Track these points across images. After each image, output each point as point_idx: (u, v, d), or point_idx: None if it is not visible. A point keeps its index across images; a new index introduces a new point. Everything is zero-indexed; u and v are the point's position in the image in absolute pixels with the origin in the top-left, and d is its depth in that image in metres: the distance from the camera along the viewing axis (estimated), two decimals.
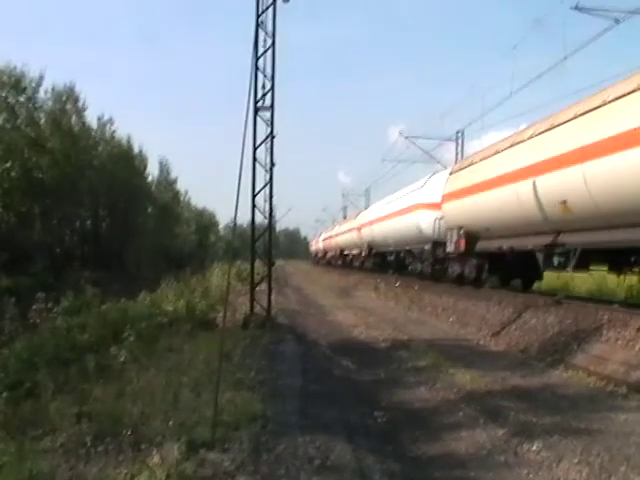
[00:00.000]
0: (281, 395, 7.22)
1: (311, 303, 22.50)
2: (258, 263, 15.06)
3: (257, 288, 14.06)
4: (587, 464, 5.29)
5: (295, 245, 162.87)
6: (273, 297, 14.49)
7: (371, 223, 36.00)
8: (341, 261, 53.54)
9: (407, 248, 27.03)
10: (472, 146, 41.75)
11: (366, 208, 45.93)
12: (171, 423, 5.35)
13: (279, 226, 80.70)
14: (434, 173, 25.21)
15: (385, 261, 34.41)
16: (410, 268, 27.36)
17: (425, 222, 23.16)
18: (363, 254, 39.94)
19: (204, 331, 10.83)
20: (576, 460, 5.37)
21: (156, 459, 4.47)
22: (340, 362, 10.10)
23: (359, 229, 40.66)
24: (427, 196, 23.44)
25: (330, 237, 63.77)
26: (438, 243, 21.68)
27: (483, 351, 11.61)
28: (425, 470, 5.40)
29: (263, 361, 9.18)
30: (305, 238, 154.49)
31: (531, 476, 5.14)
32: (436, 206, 21.73)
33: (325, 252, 69.42)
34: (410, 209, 25.54)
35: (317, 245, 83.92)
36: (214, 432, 5.10)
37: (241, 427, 5.49)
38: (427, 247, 23.20)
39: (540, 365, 9.88)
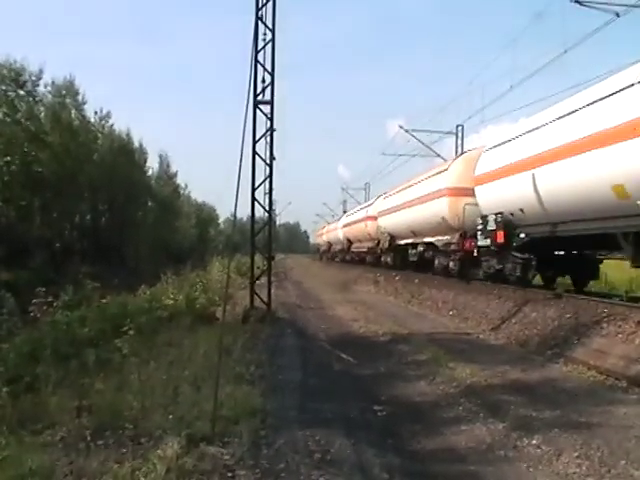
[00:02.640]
0: (281, 389, 7.23)
1: (311, 297, 22.49)
2: (258, 257, 15.06)
3: (257, 282, 14.07)
4: (587, 458, 5.29)
5: (295, 239, 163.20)
6: (273, 291, 14.50)
7: (504, 174, 15.50)
8: (391, 258, 31.32)
9: None
10: (471, 140, 41.35)
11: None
12: (171, 417, 5.36)
13: (279, 220, 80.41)
14: None
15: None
16: None
17: None
18: (486, 243, 16.84)
19: (204, 325, 10.84)
20: (576, 454, 5.38)
21: (156, 453, 4.47)
22: (340, 356, 10.09)
23: (454, 193, 20.16)
24: None
25: (362, 220, 40.16)
26: None
27: (483, 345, 11.61)
28: (425, 464, 5.40)
29: (263, 355, 9.18)
30: (305, 232, 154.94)
31: (531, 470, 5.14)
32: None
33: (349, 243, 47.34)
34: None
35: (331, 234, 61.55)
36: (214, 426, 5.10)
37: (241, 421, 5.49)
38: None
39: (540, 359, 9.88)
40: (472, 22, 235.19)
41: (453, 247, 20.39)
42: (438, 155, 33.07)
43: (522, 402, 7.14)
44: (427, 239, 23.59)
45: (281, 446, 5.05)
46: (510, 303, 13.81)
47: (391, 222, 29.86)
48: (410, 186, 26.89)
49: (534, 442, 5.73)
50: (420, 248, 24.87)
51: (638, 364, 8.18)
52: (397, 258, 30.12)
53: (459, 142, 33.31)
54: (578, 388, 7.91)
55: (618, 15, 15.05)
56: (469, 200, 18.55)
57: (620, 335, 9.28)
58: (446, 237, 21.11)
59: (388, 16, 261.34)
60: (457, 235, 19.88)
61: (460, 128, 33.16)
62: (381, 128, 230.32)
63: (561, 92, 19.89)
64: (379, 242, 33.48)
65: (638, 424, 6.22)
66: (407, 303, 19.26)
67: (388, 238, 30.56)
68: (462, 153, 21.95)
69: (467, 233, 18.96)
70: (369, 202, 41.21)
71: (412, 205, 25.22)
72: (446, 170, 21.59)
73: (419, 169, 29.44)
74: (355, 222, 43.95)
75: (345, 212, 62.13)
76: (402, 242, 28.18)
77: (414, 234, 25.57)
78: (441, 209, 20.91)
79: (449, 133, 33.65)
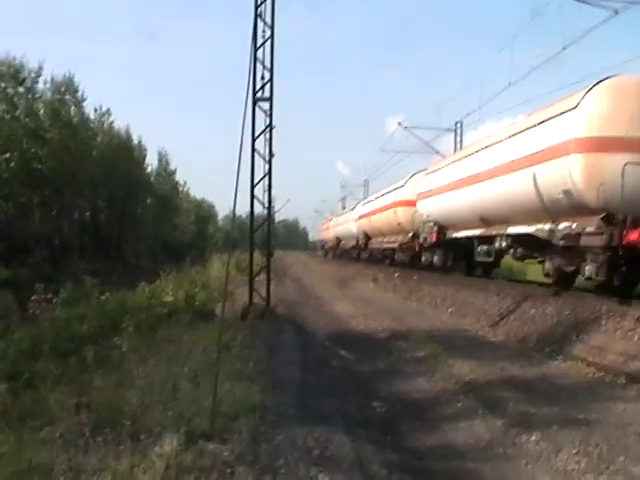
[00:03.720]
0: (280, 386, 7.22)
1: (310, 294, 22.48)
2: (257, 254, 15.05)
3: (256, 279, 14.06)
4: (586, 454, 5.29)
5: (294, 236, 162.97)
6: (272, 288, 14.48)
7: None
8: (439, 257, 22.47)
9: None
10: (470, 137, 40.84)
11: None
12: (170, 414, 5.35)
13: (278, 217, 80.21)
14: None
15: None
16: None
17: None
18: None
19: (203, 322, 10.82)
20: (575, 450, 5.38)
21: (155, 450, 4.47)
22: (339, 353, 10.10)
23: (595, 146, 11.44)
24: None
25: (389, 207, 30.06)
26: None
27: (482, 341, 11.61)
28: (424, 461, 5.40)
29: (262, 352, 9.18)
30: (304, 229, 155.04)
31: (530, 467, 5.15)
32: None
33: (367, 238, 37.36)
34: None
35: (340, 228, 51.49)
36: (213, 423, 5.09)
37: (240, 418, 5.49)
38: None
39: (539, 356, 9.88)
40: (471, 19, 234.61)
41: (589, 241, 11.92)
42: (437, 152, 32.95)
43: (521, 399, 7.14)
44: (515, 229, 15.28)
45: (280, 442, 5.05)
46: (509, 300, 13.80)
47: (441, 207, 20.89)
48: (480, 150, 17.72)
49: (533, 439, 5.73)
50: (499, 243, 16.32)
51: (637, 360, 8.19)
52: (449, 257, 21.72)
53: (458, 138, 33.29)
54: (577, 385, 7.91)
55: (617, 12, 15.05)
56: (631, 158, 11.12)
57: (619, 332, 9.28)
58: (565, 224, 12.60)
59: (387, 13, 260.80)
60: (596, 220, 11.51)
61: (459, 125, 33.08)
62: (380, 125, 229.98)
63: (560, 89, 19.80)
64: (416, 235, 24.67)
65: (637, 420, 6.22)
66: (406, 300, 19.26)
67: (435, 229, 21.71)
68: (600, 80, 11.97)
69: (618, 217, 11.09)
70: (397, 184, 30.31)
71: (485, 178, 16.44)
72: (574, 109, 12.15)
73: (419, 166, 28.92)
74: (378, 211, 32.77)
75: (344, 208, 61.74)
76: (460, 235, 19.60)
77: (485, 222, 17.11)
78: (562, 176, 12.19)
79: (448, 130, 33.66)
